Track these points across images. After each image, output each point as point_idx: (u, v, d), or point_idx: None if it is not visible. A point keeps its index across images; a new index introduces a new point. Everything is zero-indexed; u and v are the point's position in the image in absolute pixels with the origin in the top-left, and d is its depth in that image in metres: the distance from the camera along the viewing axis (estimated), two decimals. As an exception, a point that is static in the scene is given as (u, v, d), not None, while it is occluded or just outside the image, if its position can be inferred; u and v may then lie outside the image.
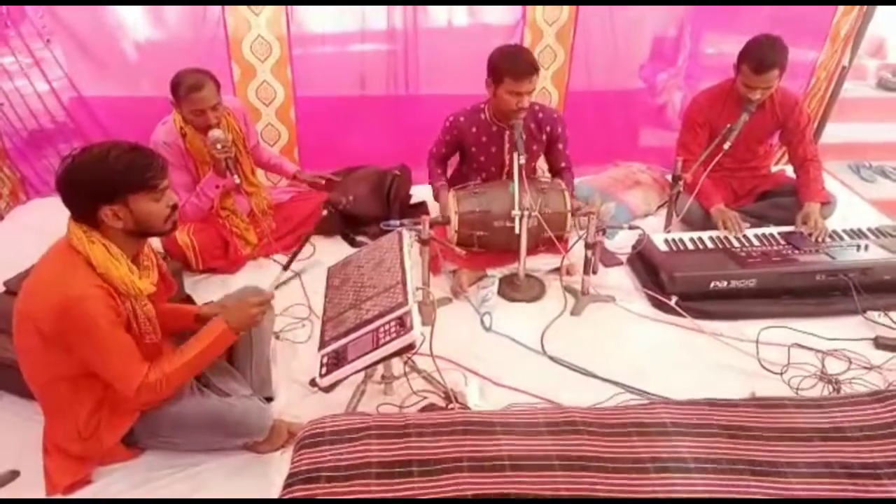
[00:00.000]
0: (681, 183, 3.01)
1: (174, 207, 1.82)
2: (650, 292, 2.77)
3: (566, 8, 3.52)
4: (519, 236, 2.67)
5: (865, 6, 3.56)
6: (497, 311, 2.69)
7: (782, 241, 2.88)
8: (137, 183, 1.71)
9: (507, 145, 2.93)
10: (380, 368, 2.20)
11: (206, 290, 2.80)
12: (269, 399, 2.22)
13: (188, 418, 1.89)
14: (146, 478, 1.94)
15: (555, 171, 3.09)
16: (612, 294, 2.82)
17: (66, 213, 1.76)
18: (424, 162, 3.17)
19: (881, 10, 3.70)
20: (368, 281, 2.07)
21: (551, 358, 2.48)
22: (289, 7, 3.29)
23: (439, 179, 3.08)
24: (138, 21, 3.32)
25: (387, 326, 1.82)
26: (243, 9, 3.24)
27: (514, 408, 2.13)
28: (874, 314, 2.62)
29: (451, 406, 2.17)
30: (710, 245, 2.90)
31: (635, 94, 3.98)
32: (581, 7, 3.52)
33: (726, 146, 2.95)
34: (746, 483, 1.47)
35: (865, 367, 2.39)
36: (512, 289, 2.84)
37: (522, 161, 2.58)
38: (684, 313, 2.61)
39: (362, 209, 3.27)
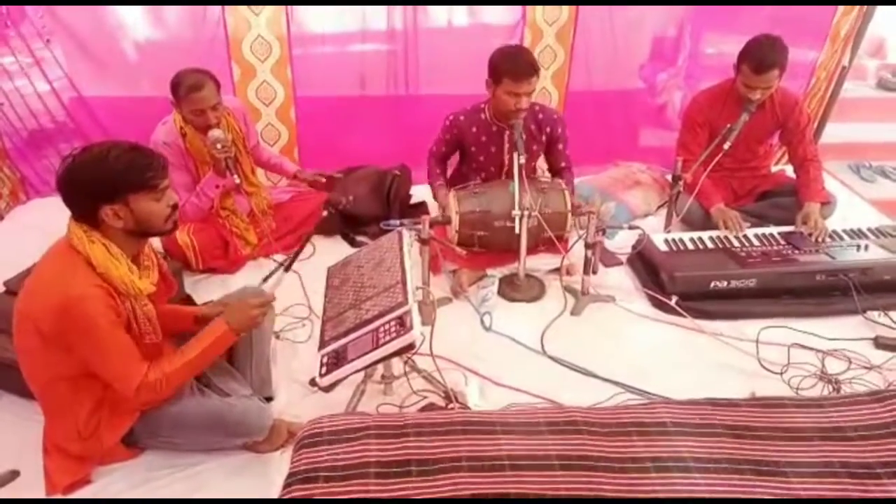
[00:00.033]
0: (681, 183, 3.01)
1: (174, 207, 1.82)
2: (650, 292, 2.77)
3: (566, 8, 3.52)
4: (519, 236, 2.67)
5: (865, 6, 3.56)
6: (497, 311, 2.69)
7: (782, 241, 2.88)
8: (138, 182, 1.71)
9: (506, 145, 2.93)
10: (380, 368, 2.20)
11: (206, 290, 2.80)
12: (269, 399, 2.22)
13: (188, 418, 1.89)
14: (146, 477, 1.94)
15: (554, 171, 3.09)
16: (613, 294, 2.82)
17: (67, 213, 1.76)
18: (424, 162, 3.17)
19: (881, 10, 3.70)
20: (368, 281, 2.07)
21: (551, 358, 2.48)
22: (289, 7, 3.29)
23: (438, 178, 3.09)
24: (138, 21, 3.32)
25: (387, 326, 1.82)
26: (243, 9, 3.24)
27: (513, 407, 2.12)
28: (874, 314, 2.62)
29: (450, 406, 2.17)
30: (710, 245, 2.90)
31: (635, 94, 3.98)
32: (581, 7, 3.52)
33: (726, 146, 2.95)
34: (747, 483, 1.47)
35: (865, 367, 2.39)
36: (512, 289, 2.84)
37: (522, 161, 2.58)
38: (684, 313, 2.61)
39: (362, 209, 3.27)
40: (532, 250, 2.83)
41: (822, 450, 1.55)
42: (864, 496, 1.45)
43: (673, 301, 2.66)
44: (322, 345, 1.92)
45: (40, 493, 1.89)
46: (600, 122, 3.87)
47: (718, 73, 3.25)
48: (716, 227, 2.98)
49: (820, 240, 2.86)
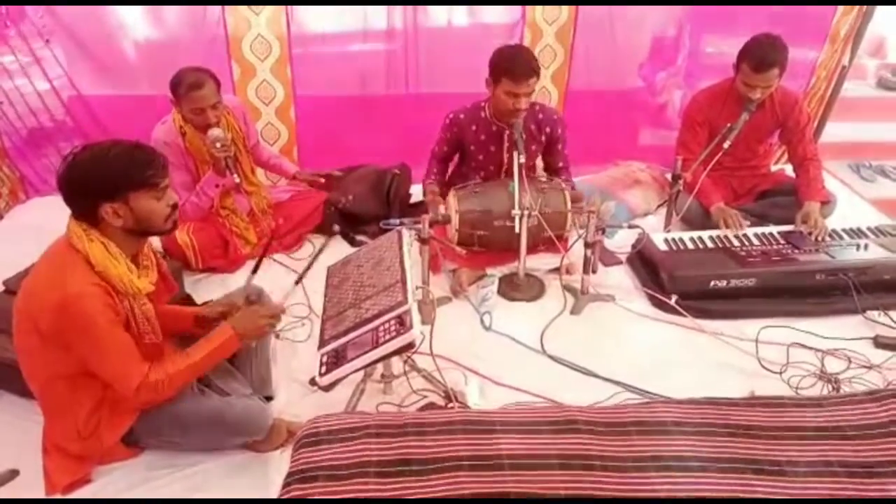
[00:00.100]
0: (681, 182, 3.01)
1: (174, 207, 1.82)
2: (650, 291, 2.78)
3: (566, 7, 3.52)
4: (519, 235, 2.67)
5: (865, 6, 3.56)
6: (497, 311, 2.69)
7: (782, 241, 2.88)
8: (138, 181, 1.71)
9: (506, 144, 2.92)
10: (379, 367, 2.20)
11: (206, 290, 2.79)
12: (269, 398, 2.22)
13: (188, 417, 1.89)
14: (146, 477, 1.94)
15: (552, 171, 3.09)
16: (612, 293, 2.82)
17: (66, 212, 1.76)
18: (425, 161, 3.16)
19: (881, 10, 3.70)
20: (368, 280, 2.07)
21: (551, 357, 2.48)
22: (289, 6, 3.29)
23: (429, 177, 3.09)
24: (138, 20, 3.32)
25: (386, 325, 1.82)
26: (243, 8, 3.23)
27: (513, 407, 2.12)
28: (874, 313, 2.62)
29: (450, 405, 2.17)
30: (709, 244, 2.90)
31: (635, 94, 3.98)
32: (581, 6, 3.52)
33: (726, 145, 2.95)
34: (747, 482, 1.47)
35: (865, 367, 2.39)
36: (512, 288, 2.84)
37: (522, 160, 2.58)
38: (684, 312, 2.61)
39: (362, 208, 3.27)
40: (532, 250, 2.83)
41: (822, 449, 1.55)
42: (864, 495, 1.45)
43: (673, 300, 2.66)
44: (322, 344, 1.92)
45: (40, 493, 1.88)
46: (600, 121, 3.86)
47: (718, 73, 3.25)
48: (716, 227, 2.98)
49: (820, 239, 2.86)
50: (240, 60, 3.35)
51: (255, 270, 2.95)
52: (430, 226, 2.57)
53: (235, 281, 2.87)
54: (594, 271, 2.76)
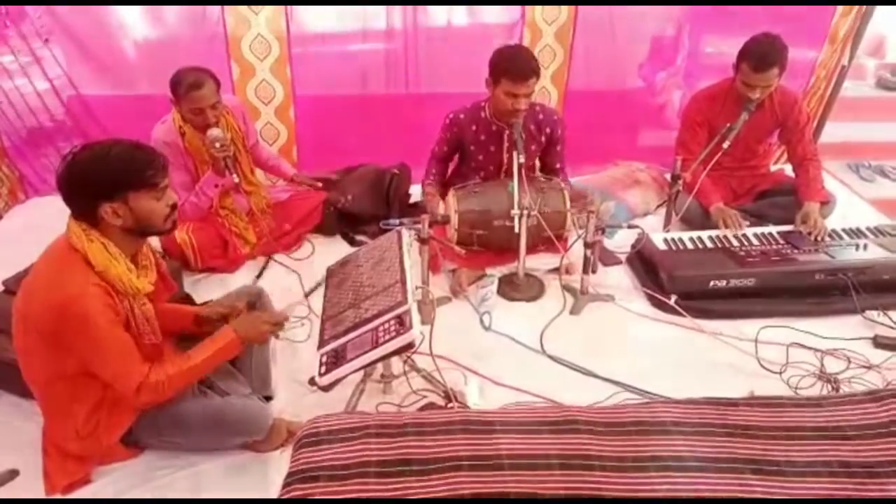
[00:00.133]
0: (680, 182, 3.01)
1: (174, 207, 1.82)
2: (649, 291, 2.78)
3: (565, 7, 3.51)
4: (518, 235, 2.67)
5: (864, 6, 3.56)
6: (496, 311, 2.69)
7: (781, 241, 2.89)
8: (138, 180, 1.71)
9: (506, 144, 2.92)
10: (379, 367, 2.20)
11: (206, 290, 2.79)
12: (269, 398, 2.22)
13: (188, 417, 1.89)
14: (145, 477, 1.94)
15: (549, 171, 3.08)
16: (612, 293, 2.82)
17: (65, 212, 1.76)
18: (424, 161, 3.16)
19: (880, 10, 3.70)
20: (368, 280, 2.07)
21: (551, 357, 2.48)
22: (288, 6, 3.29)
23: (428, 178, 3.09)
24: (138, 20, 3.32)
25: (386, 325, 1.82)
26: (243, 8, 3.23)
27: (513, 407, 2.12)
28: (873, 313, 2.62)
29: (450, 405, 2.17)
30: (709, 244, 2.90)
31: (634, 94, 3.98)
32: (580, 6, 3.52)
33: (725, 145, 2.95)
34: (746, 482, 1.47)
35: (864, 367, 2.40)
36: (511, 288, 2.84)
37: (522, 160, 2.58)
38: (684, 312, 2.61)
39: (361, 208, 3.27)
40: (531, 249, 2.83)
41: (821, 449, 1.55)
42: (863, 496, 1.45)
43: (672, 300, 2.66)
44: (321, 344, 1.92)
45: (40, 493, 1.89)
46: (600, 121, 3.86)
47: (718, 73, 3.25)
48: (715, 227, 2.98)
49: (819, 239, 2.86)
50: (239, 60, 3.35)
51: (259, 275, 2.94)
52: (430, 226, 2.57)
53: (235, 281, 2.87)
54: (594, 271, 2.76)
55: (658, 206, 3.55)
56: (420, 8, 3.46)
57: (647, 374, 2.35)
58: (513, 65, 2.68)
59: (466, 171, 3.10)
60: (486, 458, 1.50)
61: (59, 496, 1.88)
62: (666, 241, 2.91)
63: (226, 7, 3.22)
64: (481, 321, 2.66)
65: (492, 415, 1.68)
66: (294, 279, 2.93)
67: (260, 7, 3.24)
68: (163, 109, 2.86)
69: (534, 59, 2.72)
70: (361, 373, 2.09)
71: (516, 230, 2.64)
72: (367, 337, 1.83)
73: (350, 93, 3.66)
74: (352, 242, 3.25)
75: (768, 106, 3.08)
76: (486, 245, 2.83)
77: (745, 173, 3.33)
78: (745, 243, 2.88)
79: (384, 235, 2.29)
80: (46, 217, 2.27)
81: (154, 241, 2.26)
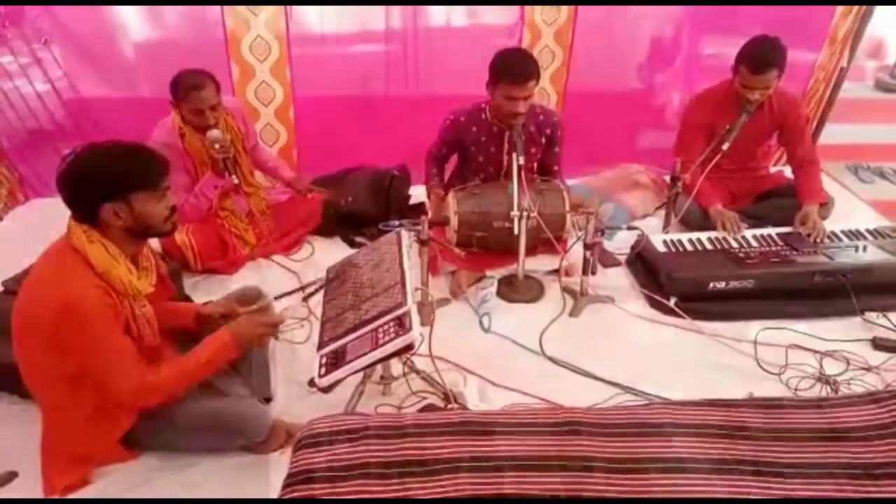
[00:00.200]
0: (679, 184, 3.02)
1: (174, 209, 1.83)
2: (649, 293, 2.78)
3: (564, 8, 3.51)
4: (518, 237, 2.67)
5: (863, 8, 3.56)
6: (496, 312, 2.70)
7: (780, 242, 2.89)
8: (140, 181, 1.71)
9: (506, 146, 2.92)
10: (379, 369, 2.20)
11: (206, 291, 2.79)
12: (268, 399, 2.22)
13: (187, 419, 1.89)
14: (145, 478, 1.94)
15: (546, 173, 3.08)
16: (611, 295, 2.82)
17: (65, 214, 1.76)
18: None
19: (879, 12, 3.70)
20: (367, 281, 2.07)
21: (550, 359, 2.48)
22: (288, 7, 3.29)
23: (431, 179, 3.09)
24: (137, 21, 3.32)
25: (386, 327, 1.82)
26: (242, 9, 3.23)
27: (512, 408, 2.13)
28: (872, 315, 2.62)
29: (449, 406, 2.17)
30: (708, 246, 2.90)
31: (634, 95, 3.98)
32: (580, 7, 3.52)
33: (725, 147, 2.95)
34: (745, 483, 1.47)
35: (863, 368, 2.40)
36: (511, 289, 2.84)
37: (521, 162, 2.58)
38: (683, 314, 2.61)
39: (361, 209, 3.27)
40: (531, 251, 2.83)
41: (821, 450, 1.55)
42: (862, 496, 1.45)
43: (671, 302, 2.66)
44: (321, 345, 1.93)
45: (38, 494, 1.88)
46: (599, 122, 3.86)
47: (717, 74, 3.25)
48: (714, 228, 2.99)
49: (818, 241, 2.87)
50: (239, 61, 3.35)
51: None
52: (429, 227, 2.57)
53: (235, 282, 2.87)
54: (593, 273, 2.76)
55: (657, 208, 3.55)
56: (420, 9, 3.46)
57: (646, 376, 2.35)
58: (512, 68, 2.68)
59: (466, 173, 3.09)
60: (486, 459, 1.50)
61: (57, 497, 1.87)
62: (665, 242, 2.91)
63: (225, 8, 3.22)
64: (481, 323, 2.66)
65: (491, 416, 1.68)
66: (293, 280, 2.93)
67: (260, 8, 3.24)
68: (163, 111, 2.86)
69: (533, 62, 2.72)
70: (361, 374, 2.09)
71: (516, 232, 2.64)
72: (366, 338, 1.83)
73: (350, 94, 3.66)
74: (351, 244, 3.25)
75: (767, 108, 3.08)
76: (486, 247, 2.83)
77: (744, 175, 3.34)
78: (745, 245, 2.89)
79: (384, 237, 2.29)
80: (46, 218, 2.27)
81: (154, 243, 2.25)
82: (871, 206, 3.63)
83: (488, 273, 2.89)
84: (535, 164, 3.11)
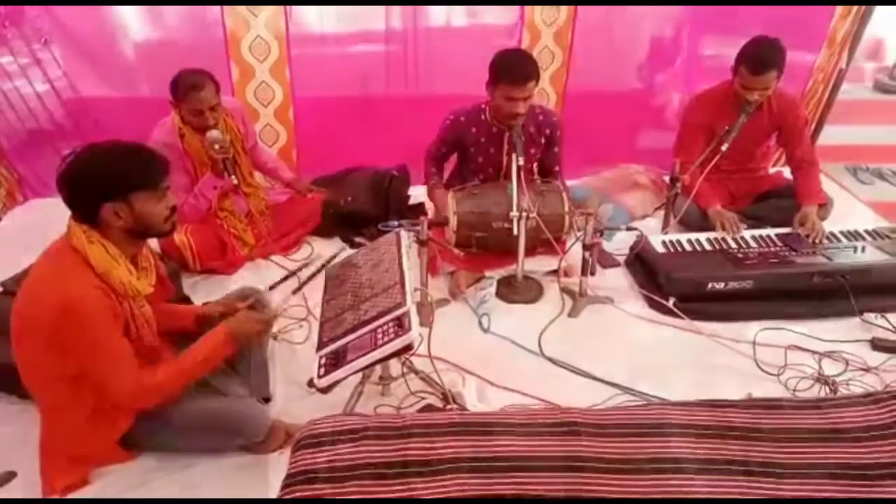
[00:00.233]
0: (678, 184, 3.02)
1: (174, 209, 1.83)
2: (648, 293, 2.78)
3: (564, 8, 3.52)
4: (517, 238, 2.67)
5: (862, 9, 3.57)
6: (495, 313, 2.70)
7: (779, 243, 2.89)
8: (141, 181, 1.72)
9: (506, 147, 2.92)
10: (378, 369, 2.20)
11: (205, 291, 2.79)
12: (267, 400, 2.22)
13: (186, 419, 1.89)
14: (143, 479, 1.94)
15: (547, 174, 3.08)
16: (610, 295, 2.82)
17: (64, 214, 1.76)
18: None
19: (878, 13, 3.70)
20: (367, 282, 2.07)
21: (549, 359, 2.48)
22: (288, 7, 3.29)
23: (432, 178, 3.08)
24: (137, 21, 3.32)
25: (385, 327, 1.82)
26: (242, 9, 3.24)
27: (511, 409, 2.13)
28: (871, 316, 2.62)
29: (449, 407, 2.17)
30: (707, 246, 2.90)
31: (633, 96, 3.99)
32: (579, 8, 3.52)
33: (724, 148, 2.95)
34: (744, 484, 1.47)
35: (862, 369, 2.40)
36: (510, 290, 2.84)
37: (521, 163, 2.58)
38: (682, 314, 2.61)
39: (360, 210, 3.27)
40: (530, 252, 2.83)
41: (819, 451, 1.55)
42: (861, 497, 1.45)
43: (670, 302, 2.66)
44: (320, 346, 1.92)
45: (37, 495, 1.88)
46: (598, 123, 3.86)
47: (716, 75, 3.25)
48: (713, 229, 2.99)
49: (817, 241, 2.87)
50: (239, 61, 3.35)
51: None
52: (429, 227, 2.57)
53: (234, 283, 2.87)
54: (592, 273, 2.76)
55: (656, 209, 3.55)
56: (419, 9, 3.46)
57: (645, 376, 2.35)
58: (511, 68, 2.68)
59: (465, 173, 3.10)
60: (485, 459, 1.50)
61: (57, 497, 1.87)
62: (664, 243, 2.91)
63: (225, 8, 3.22)
64: (480, 323, 2.66)
65: (490, 416, 1.68)
66: (292, 280, 2.93)
67: (259, 8, 3.24)
68: (162, 111, 2.86)
69: (533, 63, 2.72)
70: (360, 375, 2.09)
71: (515, 232, 2.64)
72: (365, 339, 1.83)
73: (349, 94, 3.66)
74: (351, 244, 3.25)
75: (766, 109, 3.08)
76: (485, 247, 2.84)
77: (743, 176, 3.34)
78: (743, 245, 2.89)
79: (383, 237, 2.29)
80: (45, 219, 2.27)
81: (152, 243, 2.26)
82: (869, 207, 3.63)
83: (487, 273, 2.89)
84: (536, 165, 3.11)
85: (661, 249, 2.87)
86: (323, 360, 1.85)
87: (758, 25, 3.28)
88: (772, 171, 3.59)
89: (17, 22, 3.23)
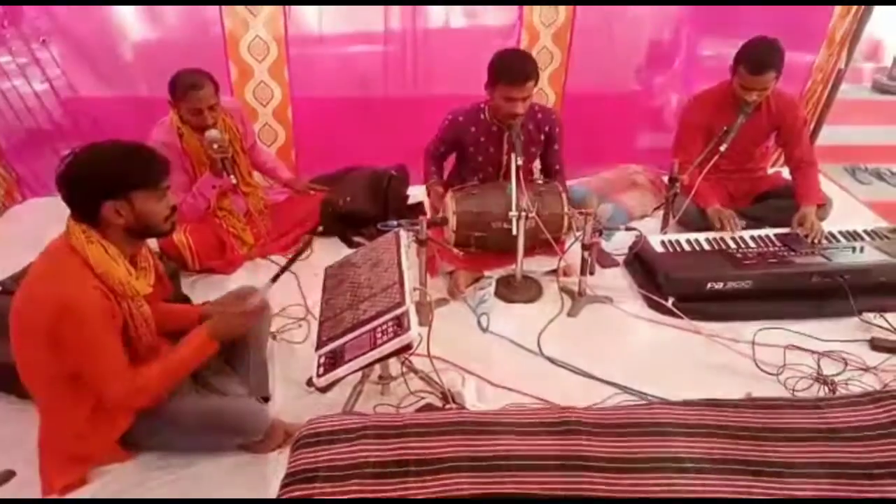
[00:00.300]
0: (677, 184, 3.02)
1: (174, 209, 1.83)
2: (647, 293, 2.78)
3: (563, 9, 3.52)
4: (516, 237, 2.67)
5: (861, 9, 3.57)
6: (494, 312, 2.70)
7: (778, 243, 2.89)
8: (142, 179, 1.72)
9: (505, 146, 2.92)
10: (377, 369, 2.20)
11: (204, 291, 2.79)
12: (266, 399, 2.22)
13: (185, 418, 1.89)
14: (142, 478, 1.94)
15: (548, 173, 3.09)
16: (609, 295, 2.83)
17: (63, 213, 1.76)
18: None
19: (877, 14, 3.71)
20: (366, 281, 2.07)
21: (548, 359, 2.48)
22: (287, 7, 3.29)
23: (431, 177, 3.08)
24: (136, 21, 3.32)
25: (384, 327, 1.82)
26: (241, 9, 3.24)
27: (510, 408, 2.13)
28: (870, 316, 2.62)
29: (448, 406, 2.17)
30: (706, 246, 2.90)
31: (632, 96, 3.99)
32: (578, 8, 3.52)
33: (722, 148, 2.96)
34: (743, 483, 1.47)
35: (861, 369, 2.40)
36: (509, 290, 2.84)
37: (520, 162, 2.59)
38: (681, 314, 2.61)
39: (359, 209, 3.27)
40: (529, 252, 2.83)
41: (818, 451, 1.56)
42: (860, 496, 1.45)
43: (669, 302, 2.67)
44: (319, 345, 1.92)
45: (37, 494, 1.88)
46: (597, 123, 3.86)
47: (715, 75, 3.25)
48: (712, 229, 2.99)
49: (816, 241, 2.87)
50: (237, 62, 3.35)
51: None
52: (428, 227, 2.57)
53: (233, 282, 2.87)
54: (591, 273, 2.76)
55: (655, 209, 3.55)
56: (418, 9, 3.46)
57: (644, 376, 2.35)
58: (510, 69, 2.68)
59: (465, 173, 3.10)
60: (484, 459, 1.50)
61: (55, 497, 1.87)
62: (663, 243, 2.92)
63: (224, 8, 3.22)
64: (479, 323, 2.66)
65: (489, 416, 1.68)
66: (291, 279, 2.92)
67: (258, 8, 3.24)
68: (161, 111, 2.86)
69: (532, 63, 2.72)
70: (359, 374, 2.09)
71: (514, 232, 2.64)
72: (365, 338, 1.83)
73: (348, 94, 3.66)
74: (350, 244, 3.25)
75: (765, 109, 3.08)
76: (484, 247, 2.84)
77: (742, 176, 3.34)
78: (742, 245, 2.89)
79: (382, 237, 2.29)
80: (43, 219, 2.27)
81: (151, 243, 2.25)
82: (868, 208, 3.64)
83: (486, 273, 2.89)
84: (536, 164, 3.11)
85: (659, 249, 2.88)
86: (322, 360, 1.85)
87: (757, 26, 3.28)
88: (770, 171, 3.59)
89: (16, 21, 3.23)
